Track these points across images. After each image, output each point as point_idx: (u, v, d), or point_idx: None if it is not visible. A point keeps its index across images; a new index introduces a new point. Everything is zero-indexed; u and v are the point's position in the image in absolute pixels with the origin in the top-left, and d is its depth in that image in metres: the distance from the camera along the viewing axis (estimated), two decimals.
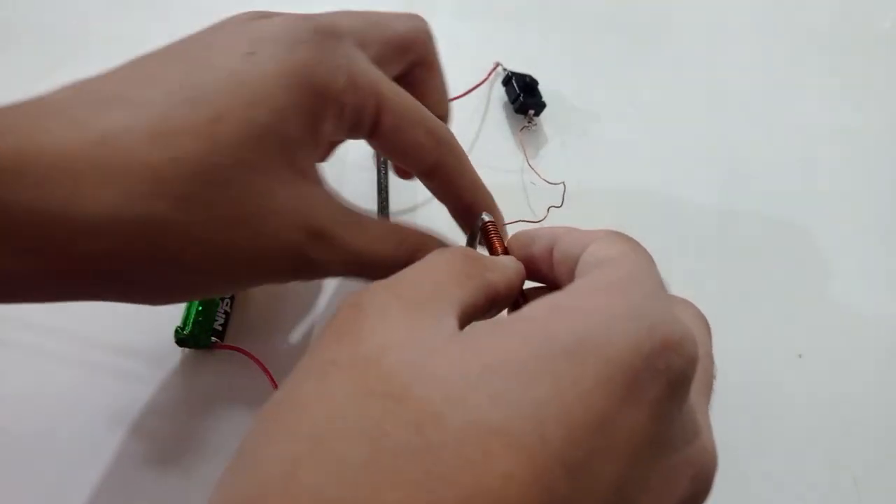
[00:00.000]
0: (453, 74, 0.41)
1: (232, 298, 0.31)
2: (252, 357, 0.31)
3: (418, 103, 0.25)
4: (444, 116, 0.29)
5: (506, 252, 0.25)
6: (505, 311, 0.24)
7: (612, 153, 0.40)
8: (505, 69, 0.42)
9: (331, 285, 0.35)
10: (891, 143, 0.41)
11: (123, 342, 0.31)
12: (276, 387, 0.30)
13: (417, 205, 0.37)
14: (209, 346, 0.31)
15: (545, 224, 0.33)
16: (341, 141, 0.27)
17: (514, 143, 0.39)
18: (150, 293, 0.23)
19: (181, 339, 0.30)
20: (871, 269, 0.37)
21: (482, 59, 0.42)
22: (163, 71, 0.21)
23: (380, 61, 0.25)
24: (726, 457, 0.32)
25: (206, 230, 0.20)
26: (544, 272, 0.24)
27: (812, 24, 0.45)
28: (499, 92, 0.41)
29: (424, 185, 0.27)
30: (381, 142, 0.25)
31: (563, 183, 0.36)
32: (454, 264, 0.20)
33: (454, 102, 0.35)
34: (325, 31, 0.22)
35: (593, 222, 0.36)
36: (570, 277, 0.21)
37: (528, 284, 0.24)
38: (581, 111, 0.41)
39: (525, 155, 0.39)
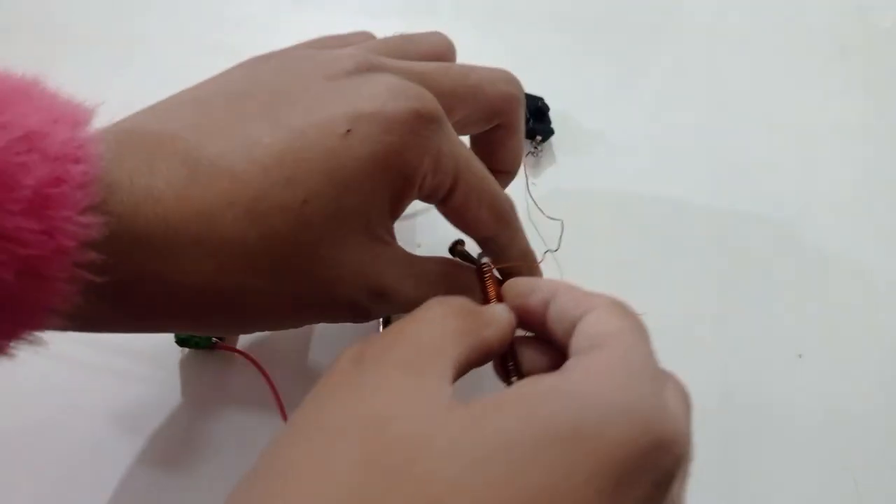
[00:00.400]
0: None
1: None
2: (251, 359, 0.31)
3: (489, 179, 0.26)
4: (511, 173, 0.31)
5: (499, 298, 0.26)
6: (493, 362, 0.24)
7: (612, 163, 0.40)
8: None
9: None
10: (891, 143, 0.41)
11: (124, 341, 0.31)
12: (274, 390, 0.30)
13: (418, 211, 0.37)
14: (209, 347, 0.31)
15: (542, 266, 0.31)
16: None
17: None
18: (220, 332, 0.27)
19: (181, 339, 0.30)
20: (871, 268, 0.37)
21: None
22: (264, 135, 0.21)
23: (467, 122, 0.27)
24: (726, 457, 0.32)
25: (284, 292, 0.22)
26: (536, 325, 0.24)
27: (812, 23, 0.45)
28: None
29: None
30: (446, 210, 0.26)
31: (562, 221, 0.35)
32: (453, 321, 0.21)
33: None
34: (422, 115, 0.23)
35: (595, 225, 0.37)
36: (564, 337, 0.22)
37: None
38: (587, 132, 0.40)
39: (527, 183, 0.38)
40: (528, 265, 0.28)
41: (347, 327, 0.34)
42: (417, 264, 0.25)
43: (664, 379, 0.21)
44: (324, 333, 0.33)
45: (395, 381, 0.18)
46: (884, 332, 0.35)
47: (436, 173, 0.23)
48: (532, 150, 0.39)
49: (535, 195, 0.37)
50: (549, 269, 0.36)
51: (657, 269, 0.36)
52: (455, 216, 0.26)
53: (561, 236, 0.35)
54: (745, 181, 0.39)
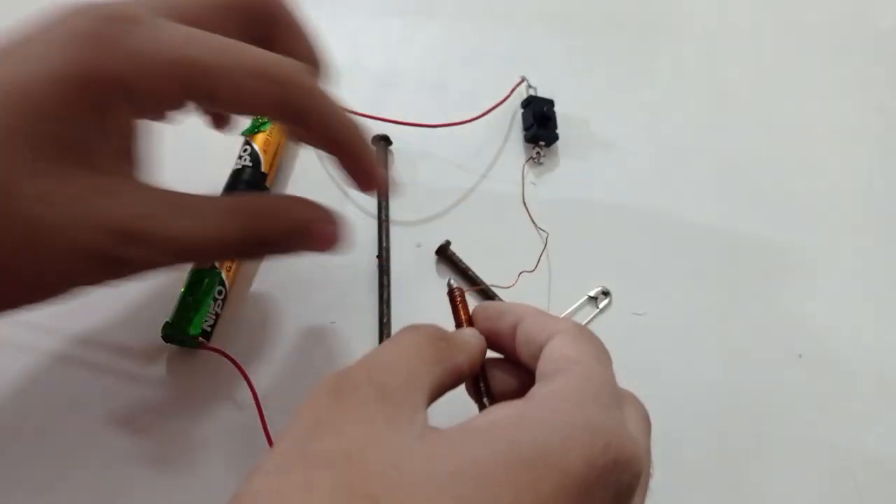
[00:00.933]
0: (476, 80, 0.41)
1: (224, 300, 0.32)
2: (234, 361, 0.31)
3: (250, 52, 0.22)
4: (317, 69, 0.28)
5: (470, 322, 0.27)
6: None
7: (613, 162, 0.40)
8: (530, 86, 0.40)
9: (324, 300, 0.35)
10: (891, 143, 0.41)
11: (112, 338, 0.31)
12: (254, 393, 0.30)
13: (424, 194, 0.37)
14: (195, 346, 0.31)
15: (516, 288, 0.31)
16: (178, 110, 0.25)
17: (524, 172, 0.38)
18: None
19: (166, 335, 0.30)
20: (870, 268, 0.37)
21: (505, 67, 0.42)
22: None
23: (209, 27, 0.23)
24: (726, 457, 0.32)
25: None
26: (506, 347, 0.25)
27: (812, 23, 0.45)
28: (520, 110, 0.40)
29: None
30: (223, 105, 0.23)
31: (547, 234, 0.35)
32: (426, 349, 0.22)
33: (481, 119, 0.36)
34: (115, 16, 0.21)
35: (595, 225, 0.37)
36: (531, 360, 0.23)
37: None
38: (587, 131, 0.40)
39: (523, 190, 0.37)
40: (347, 135, 0.25)
41: (326, 336, 0.34)
42: (178, 197, 0.23)
43: (623, 399, 0.22)
44: (307, 336, 0.33)
45: (371, 411, 0.19)
46: (883, 332, 0.35)
47: (152, 73, 0.21)
48: (534, 155, 0.38)
49: (537, 196, 0.37)
50: (544, 271, 0.36)
51: (657, 269, 0.36)
52: (234, 105, 0.23)
53: (542, 254, 0.34)
54: (746, 181, 0.39)
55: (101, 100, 0.21)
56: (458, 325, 0.27)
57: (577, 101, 0.41)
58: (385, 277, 0.34)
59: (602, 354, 0.22)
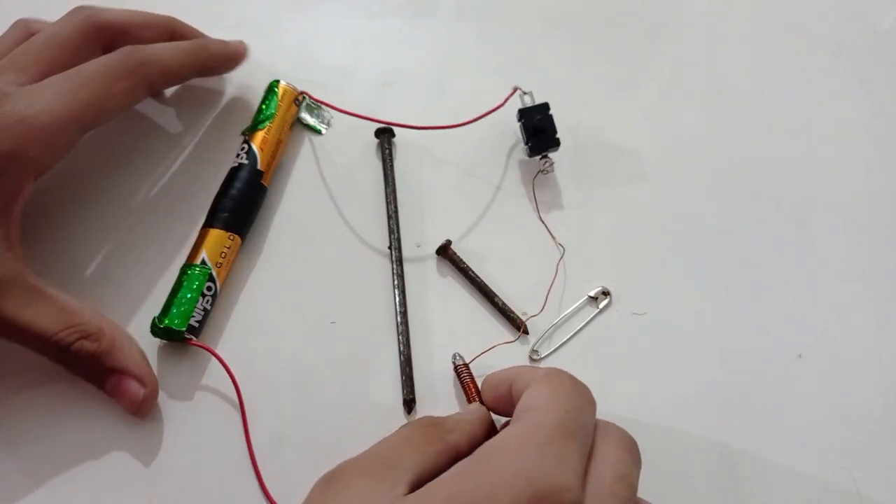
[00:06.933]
0: (477, 79, 0.41)
1: (214, 297, 0.32)
2: (218, 358, 0.31)
3: (100, 80, 0.29)
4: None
5: (479, 393, 0.30)
6: None
7: (612, 163, 0.39)
8: (524, 92, 0.38)
9: (323, 299, 0.35)
10: (891, 143, 0.41)
11: None
12: (237, 389, 0.31)
13: (423, 195, 0.37)
14: (182, 341, 0.31)
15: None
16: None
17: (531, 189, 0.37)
18: None
19: (152, 329, 0.31)
20: (870, 268, 0.37)
21: (505, 67, 0.42)
22: None
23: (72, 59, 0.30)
24: (726, 457, 0.32)
25: None
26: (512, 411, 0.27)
27: (812, 24, 0.45)
28: (516, 122, 0.38)
29: None
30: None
31: (564, 250, 0.35)
32: (416, 433, 0.25)
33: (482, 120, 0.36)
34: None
35: (595, 225, 0.37)
36: None
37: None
38: (587, 132, 0.40)
39: (537, 207, 0.37)
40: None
41: (325, 336, 0.34)
42: (37, 285, 0.29)
43: (600, 435, 0.23)
44: (305, 336, 0.33)
45: (356, 485, 0.23)
46: (884, 332, 0.35)
47: (55, 141, 0.28)
48: (543, 168, 0.37)
49: (538, 198, 0.37)
50: (543, 271, 0.36)
51: (657, 269, 0.36)
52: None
53: (554, 279, 0.35)
54: (745, 181, 0.39)
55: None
56: (468, 399, 0.30)
57: (577, 101, 0.41)
58: (399, 267, 0.34)
59: (564, 398, 0.24)
